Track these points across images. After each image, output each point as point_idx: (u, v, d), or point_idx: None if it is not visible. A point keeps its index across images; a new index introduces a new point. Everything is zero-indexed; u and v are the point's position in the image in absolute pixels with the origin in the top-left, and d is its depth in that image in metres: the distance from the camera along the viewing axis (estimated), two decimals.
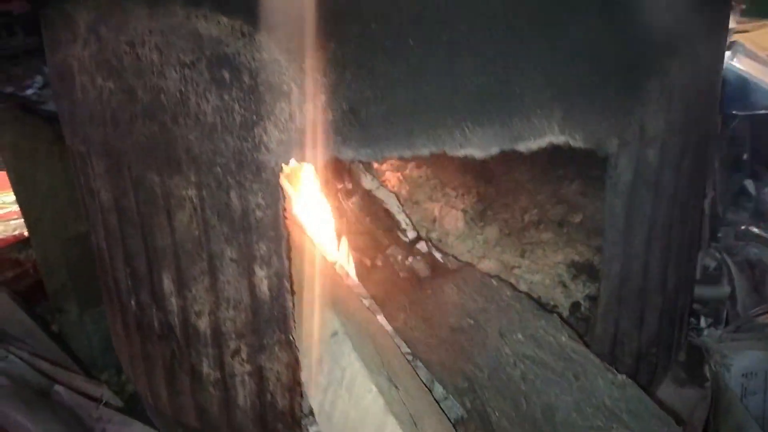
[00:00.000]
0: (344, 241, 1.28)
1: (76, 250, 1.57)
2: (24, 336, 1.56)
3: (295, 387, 1.02)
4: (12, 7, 1.51)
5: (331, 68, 0.85)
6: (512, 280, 1.26)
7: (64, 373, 1.46)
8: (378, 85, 0.85)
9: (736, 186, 2.10)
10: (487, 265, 1.32)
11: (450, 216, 1.44)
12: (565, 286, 1.27)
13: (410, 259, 1.19)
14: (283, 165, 0.90)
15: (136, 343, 1.16)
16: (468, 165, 1.55)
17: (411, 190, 1.53)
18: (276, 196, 0.92)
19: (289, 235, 0.95)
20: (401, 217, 1.27)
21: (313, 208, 1.28)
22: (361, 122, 0.87)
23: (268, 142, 0.89)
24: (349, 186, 1.32)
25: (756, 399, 1.39)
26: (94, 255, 1.25)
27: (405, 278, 1.18)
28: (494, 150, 0.89)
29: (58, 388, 1.39)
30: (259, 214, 0.94)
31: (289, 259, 0.96)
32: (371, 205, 1.31)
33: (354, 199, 1.30)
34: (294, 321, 0.99)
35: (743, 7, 2.13)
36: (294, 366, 1.01)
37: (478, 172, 1.55)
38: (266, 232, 0.94)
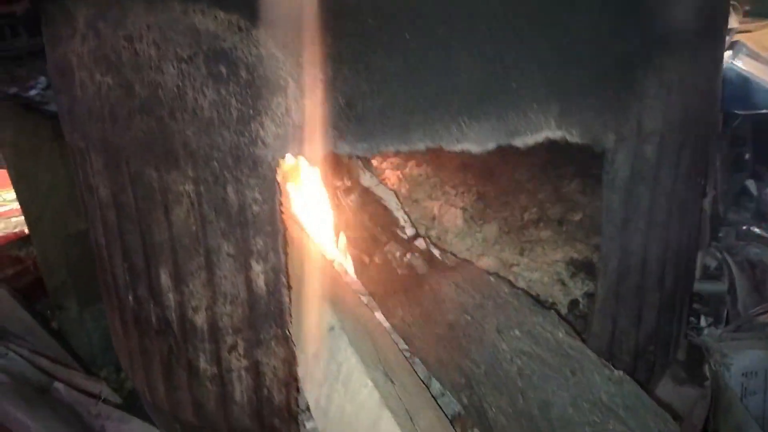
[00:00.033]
0: (342, 237, 1.28)
1: (77, 247, 1.57)
2: (24, 333, 1.57)
3: (291, 382, 1.02)
4: (15, 9, 1.52)
5: (328, 63, 0.85)
6: (511, 278, 1.26)
7: (63, 370, 1.47)
8: (374, 79, 0.85)
9: (737, 186, 2.10)
10: (486, 263, 1.32)
11: (449, 214, 1.44)
12: (563, 283, 1.27)
13: (408, 255, 1.19)
14: (279, 159, 0.90)
15: (133, 338, 1.16)
16: (468, 164, 1.55)
17: (411, 188, 1.53)
18: (273, 190, 0.92)
19: (285, 230, 0.95)
20: (400, 214, 1.27)
21: (311, 205, 1.28)
22: (358, 117, 0.87)
23: (265, 137, 0.89)
24: (348, 183, 1.32)
25: (756, 398, 1.39)
26: (93, 252, 1.25)
27: (403, 275, 1.18)
28: (491, 145, 0.89)
29: (57, 385, 1.40)
30: (255, 208, 0.94)
31: (286, 253, 0.96)
32: (370, 203, 1.31)
33: (353, 196, 1.30)
34: (290, 316, 0.99)
35: (747, 8, 2.13)
36: (290, 361, 1.01)
37: (478, 171, 1.55)
38: (263, 226, 0.95)
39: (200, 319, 1.04)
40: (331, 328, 0.99)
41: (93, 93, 1.00)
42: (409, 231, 1.24)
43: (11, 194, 2.06)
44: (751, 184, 2.12)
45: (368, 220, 1.27)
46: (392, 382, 0.95)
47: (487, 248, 1.38)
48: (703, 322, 1.56)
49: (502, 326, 1.02)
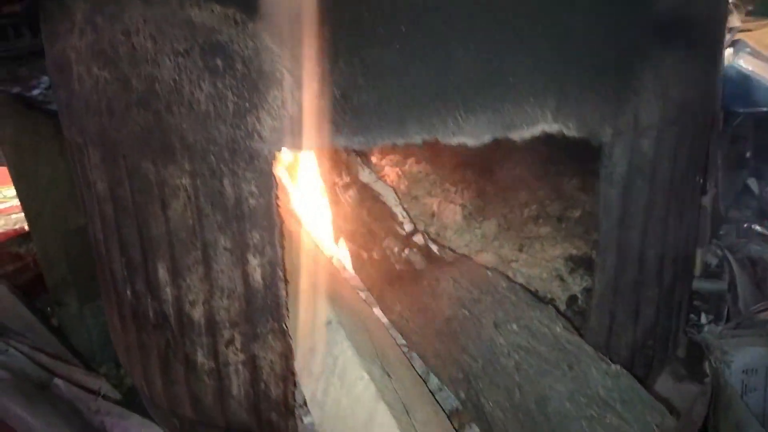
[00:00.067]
0: (341, 233, 1.28)
1: (76, 244, 1.57)
2: (24, 329, 1.57)
3: (288, 376, 1.02)
4: (18, 8, 1.52)
5: (324, 56, 0.85)
6: (510, 274, 1.25)
7: (63, 367, 1.47)
8: (370, 72, 0.85)
9: (739, 184, 2.09)
10: (485, 259, 1.32)
11: (448, 210, 1.43)
12: (562, 279, 1.27)
13: (406, 251, 1.19)
14: (276, 153, 0.90)
15: (131, 333, 1.16)
16: (468, 161, 1.55)
17: (410, 185, 1.53)
18: (269, 184, 0.92)
19: (282, 223, 0.95)
20: (398, 210, 1.27)
21: (310, 201, 1.28)
22: (354, 110, 0.87)
23: (261, 130, 0.89)
24: (347, 179, 1.32)
25: (756, 396, 1.38)
26: (92, 248, 1.25)
27: (401, 270, 1.18)
28: (487, 138, 0.89)
29: (57, 381, 1.40)
30: (252, 202, 0.94)
31: (283, 247, 0.96)
32: (368, 198, 1.31)
33: (351, 192, 1.30)
34: (287, 310, 0.99)
35: (750, 8, 2.13)
36: (287, 355, 1.01)
37: (477, 168, 1.55)
38: (259, 220, 0.95)
39: (197, 314, 1.04)
40: (328, 322, 0.99)
41: (90, 87, 1.00)
42: (408, 227, 1.24)
43: (11, 191, 2.06)
44: (752, 183, 2.11)
45: (366, 215, 1.27)
46: (389, 375, 0.95)
47: (486, 244, 1.38)
48: (703, 320, 1.55)
49: (500, 321, 1.02)
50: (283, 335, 1.00)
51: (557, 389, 0.92)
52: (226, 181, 0.93)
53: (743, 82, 1.79)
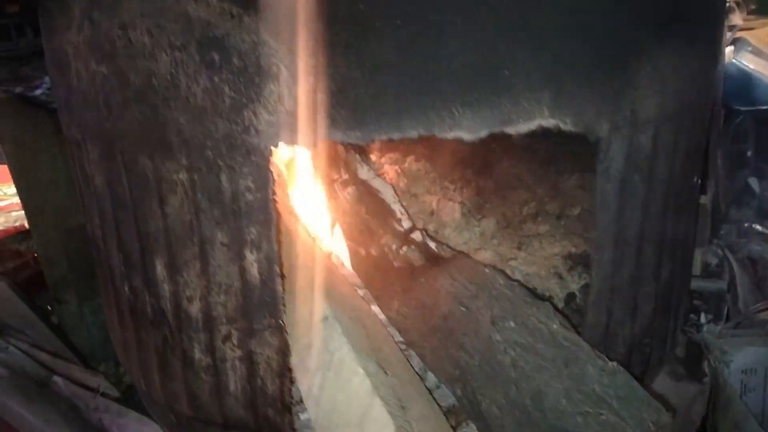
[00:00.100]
0: (339, 230, 1.28)
1: (77, 241, 1.58)
2: (24, 327, 1.57)
3: (285, 372, 1.02)
4: (18, 8, 1.52)
5: (320, 50, 0.85)
6: (508, 272, 1.25)
7: (63, 364, 1.47)
8: (366, 66, 0.85)
9: (739, 183, 2.09)
10: (484, 257, 1.32)
11: (447, 208, 1.43)
12: (560, 277, 1.27)
13: (404, 248, 1.19)
14: (272, 148, 0.90)
15: (129, 329, 1.16)
16: (467, 159, 1.55)
17: (409, 182, 1.53)
18: (265, 179, 0.92)
19: (279, 218, 0.95)
20: (396, 207, 1.27)
21: (308, 198, 1.28)
22: (350, 104, 0.86)
23: (258, 125, 0.89)
24: (346, 176, 1.32)
25: (755, 395, 1.38)
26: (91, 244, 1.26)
27: (399, 267, 1.18)
28: (483, 133, 0.89)
29: (56, 378, 1.40)
30: (249, 197, 0.94)
31: (279, 243, 0.96)
32: (367, 195, 1.31)
33: (350, 189, 1.30)
34: (284, 306, 0.99)
35: (753, 7, 2.13)
36: (284, 351, 1.01)
37: (477, 166, 1.54)
38: (256, 215, 0.94)
39: (194, 309, 1.04)
40: (325, 318, 0.99)
41: (88, 82, 1.00)
42: (406, 224, 1.24)
43: (11, 188, 2.07)
44: (753, 182, 2.11)
45: (365, 212, 1.27)
46: (385, 372, 0.95)
47: (485, 242, 1.37)
48: (703, 319, 1.55)
49: (497, 317, 1.02)
50: (280, 331, 1.00)
51: (553, 386, 0.92)
52: (223, 176, 0.93)
53: (744, 80, 1.78)
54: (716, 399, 1.35)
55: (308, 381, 0.97)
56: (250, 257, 0.97)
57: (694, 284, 1.57)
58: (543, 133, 0.91)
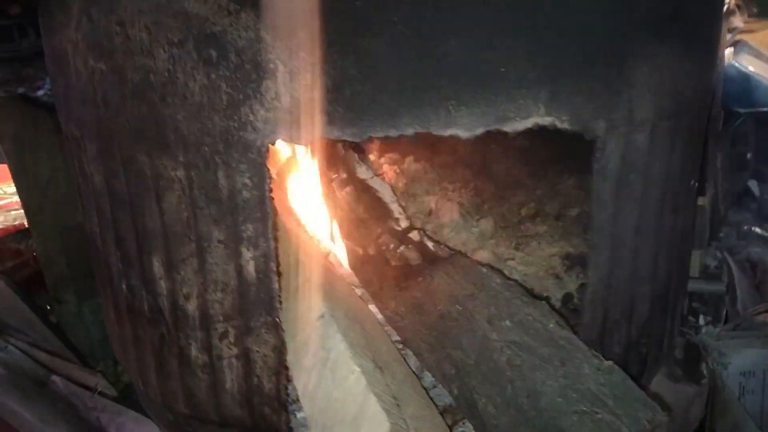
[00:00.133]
0: (337, 229, 1.28)
1: (76, 240, 1.58)
2: (23, 326, 1.57)
3: (281, 370, 1.02)
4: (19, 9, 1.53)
5: (316, 47, 0.85)
6: (506, 272, 1.25)
7: (61, 364, 1.47)
8: (363, 63, 0.85)
9: (739, 186, 2.08)
10: (482, 257, 1.32)
11: (446, 208, 1.43)
12: (558, 277, 1.27)
13: (402, 247, 1.19)
14: (269, 144, 0.90)
15: (127, 328, 1.16)
16: (466, 160, 1.55)
17: (408, 183, 1.53)
18: (262, 175, 0.92)
19: (275, 216, 0.95)
20: (394, 207, 1.27)
21: (306, 196, 1.28)
22: (346, 101, 0.87)
23: (254, 121, 0.89)
24: (344, 176, 1.32)
25: (754, 398, 1.38)
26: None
27: (396, 266, 1.18)
28: (479, 130, 0.89)
29: (55, 378, 1.40)
30: (245, 194, 0.94)
31: (276, 240, 0.96)
32: (365, 195, 1.31)
33: (348, 188, 1.30)
34: (280, 303, 0.99)
35: (755, 10, 2.13)
36: (280, 349, 1.01)
37: (476, 167, 1.54)
38: (253, 212, 0.95)
39: (191, 307, 1.04)
40: (321, 316, 0.99)
41: (87, 79, 1.01)
42: (403, 223, 1.24)
43: (11, 187, 2.07)
44: (753, 185, 2.10)
45: (363, 212, 1.27)
46: (381, 370, 0.95)
47: (483, 242, 1.37)
48: (701, 321, 1.54)
49: (493, 317, 1.02)
50: (276, 329, 1.00)
51: (549, 384, 0.92)
52: (220, 173, 0.93)
53: (744, 82, 1.78)
54: (715, 401, 1.35)
55: (304, 378, 0.97)
56: (247, 255, 0.97)
57: (693, 286, 1.56)
58: (539, 132, 0.92)
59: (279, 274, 0.98)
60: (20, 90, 1.54)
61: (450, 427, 0.99)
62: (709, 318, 1.55)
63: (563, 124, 0.91)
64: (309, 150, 1.25)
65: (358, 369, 0.89)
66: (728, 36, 1.87)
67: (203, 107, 0.91)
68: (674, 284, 1.19)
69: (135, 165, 1.00)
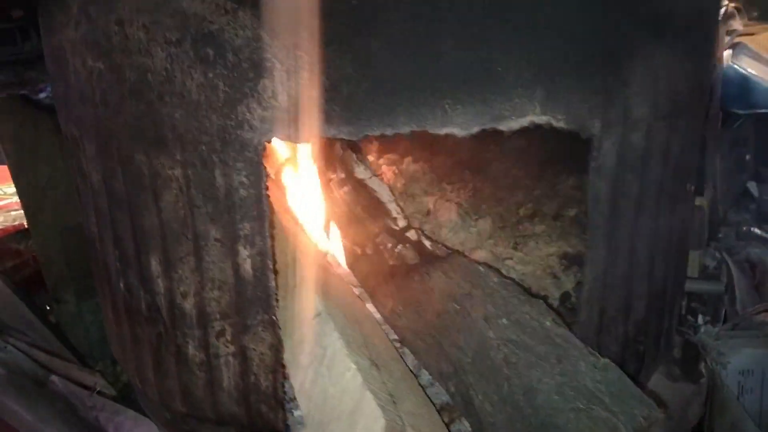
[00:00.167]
0: (335, 229, 1.29)
1: (75, 240, 1.58)
2: (23, 326, 1.58)
3: (278, 368, 1.02)
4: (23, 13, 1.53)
5: (313, 45, 0.85)
6: (504, 271, 1.25)
7: (60, 363, 1.48)
8: (359, 62, 0.86)
9: (738, 187, 2.09)
10: (480, 257, 1.32)
11: (444, 208, 1.43)
12: (556, 277, 1.27)
13: (400, 246, 1.19)
14: (266, 143, 0.91)
15: (124, 327, 1.17)
16: (464, 160, 1.55)
17: (407, 183, 1.53)
18: (259, 174, 0.92)
19: (272, 214, 0.96)
20: (392, 206, 1.28)
21: (304, 196, 1.29)
22: (343, 99, 0.87)
23: (251, 120, 0.90)
24: (342, 175, 1.32)
25: (752, 397, 1.38)
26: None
27: (394, 265, 1.18)
28: (475, 129, 0.89)
29: (54, 378, 1.40)
30: (242, 192, 0.94)
31: (272, 238, 0.97)
32: (363, 195, 1.31)
33: (346, 188, 1.30)
34: (277, 301, 1.00)
35: (755, 14, 2.13)
36: (277, 347, 1.01)
37: (474, 167, 1.55)
38: (249, 211, 0.95)
39: (189, 305, 1.04)
40: (318, 314, 0.99)
41: (85, 79, 1.01)
42: (401, 223, 1.25)
43: (11, 188, 2.08)
44: (752, 186, 2.11)
45: (361, 211, 1.28)
46: (378, 368, 0.95)
47: (481, 242, 1.37)
48: (700, 321, 1.55)
49: (490, 315, 1.02)
50: (273, 327, 1.00)
51: (546, 382, 0.92)
52: (217, 172, 0.94)
53: (743, 84, 1.78)
54: (713, 400, 1.35)
55: (301, 376, 0.97)
56: (244, 253, 0.98)
57: (692, 286, 1.56)
58: (536, 131, 0.92)
59: (276, 272, 0.99)
60: (22, 93, 1.55)
61: (447, 425, 0.99)
62: (708, 317, 1.55)
63: (559, 123, 0.91)
64: (305, 147, 1.26)
65: (354, 366, 0.89)
66: (727, 38, 1.87)
67: (200, 106, 0.91)
68: (671, 282, 1.20)
69: (133, 164, 1.00)
